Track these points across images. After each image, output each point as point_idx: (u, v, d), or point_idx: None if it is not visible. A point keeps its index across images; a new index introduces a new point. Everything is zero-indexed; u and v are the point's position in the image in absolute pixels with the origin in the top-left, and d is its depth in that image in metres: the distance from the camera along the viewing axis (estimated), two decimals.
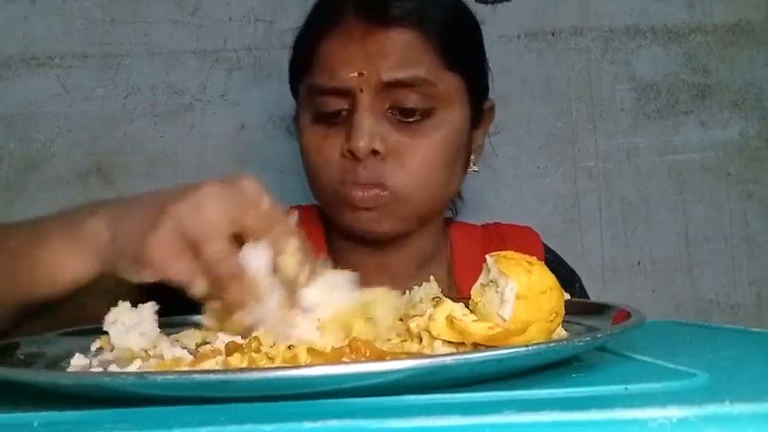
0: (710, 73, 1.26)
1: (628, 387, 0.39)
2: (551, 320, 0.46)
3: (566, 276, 0.94)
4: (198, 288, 0.49)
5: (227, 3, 1.23)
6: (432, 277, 0.61)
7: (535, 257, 0.49)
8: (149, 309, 0.50)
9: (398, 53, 0.79)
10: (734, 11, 1.26)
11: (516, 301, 0.45)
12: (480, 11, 0.90)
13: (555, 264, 0.94)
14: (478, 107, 0.87)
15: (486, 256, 0.48)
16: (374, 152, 0.78)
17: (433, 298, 0.55)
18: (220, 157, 1.21)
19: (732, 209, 1.26)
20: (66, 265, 0.53)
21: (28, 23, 1.21)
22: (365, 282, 0.87)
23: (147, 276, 0.50)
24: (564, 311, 0.48)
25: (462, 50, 0.84)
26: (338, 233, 0.88)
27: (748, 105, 1.26)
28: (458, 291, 0.89)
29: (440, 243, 0.92)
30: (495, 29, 0.92)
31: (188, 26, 1.23)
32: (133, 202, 0.54)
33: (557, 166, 1.25)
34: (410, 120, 0.79)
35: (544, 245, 0.96)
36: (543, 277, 0.47)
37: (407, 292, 0.62)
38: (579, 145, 1.25)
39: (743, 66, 1.26)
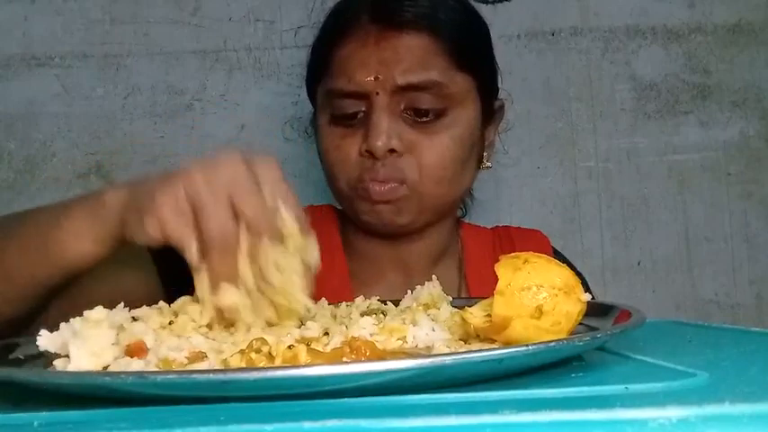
0: (710, 73, 1.26)
1: (628, 387, 0.39)
2: (536, 317, 0.47)
3: None
4: (191, 251, 0.50)
5: (227, 3, 1.23)
6: (434, 277, 0.62)
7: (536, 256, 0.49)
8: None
9: (412, 57, 0.81)
10: (734, 11, 1.26)
11: (495, 296, 0.47)
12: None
13: None
14: (489, 105, 0.90)
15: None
16: (391, 151, 0.81)
17: None
18: None
19: (732, 209, 1.26)
20: (88, 229, 0.57)
21: (28, 23, 1.21)
22: (380, 275, 0.90)
23: (151, 230, 0.51)
24: (570, 313, 0.48)
25: (472, 52, 0.86)
26: (356, 229, 0.90)
27: (748, 105, 1.26)
28: (468, 288, 0.90)
29: (452, 240, 0.94)
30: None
31: (188, 26, 1.22)
32: (156, 173, 0.57)
33: (557, 166, 1.25)
34: (424, 119, 0.82)
35: (553, 248, 0.97)
36: (532, 275, 0.48)
37: (409, 291, 0.62)
38: (579, 145, 1.25)
39: (743, 66, 1.26)
